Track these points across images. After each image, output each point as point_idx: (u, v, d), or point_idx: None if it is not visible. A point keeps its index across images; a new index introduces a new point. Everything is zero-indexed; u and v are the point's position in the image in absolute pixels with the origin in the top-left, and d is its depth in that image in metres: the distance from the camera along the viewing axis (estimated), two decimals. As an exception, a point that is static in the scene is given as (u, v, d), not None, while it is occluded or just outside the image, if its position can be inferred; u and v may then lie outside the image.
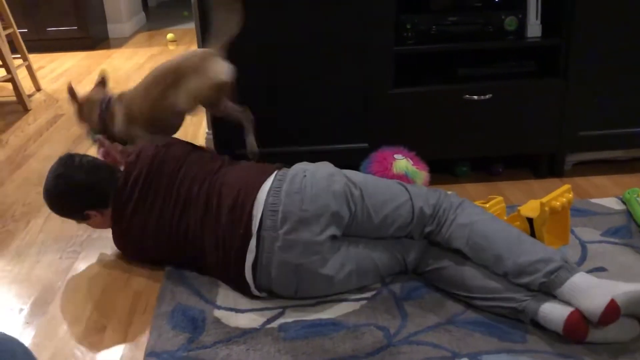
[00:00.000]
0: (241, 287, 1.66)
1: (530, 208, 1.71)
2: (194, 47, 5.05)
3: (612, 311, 1.35)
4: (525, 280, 1.47)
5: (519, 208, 1.73)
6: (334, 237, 1.60)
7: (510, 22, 2.21)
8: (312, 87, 2.18)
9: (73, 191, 1.83)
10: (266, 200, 1.60)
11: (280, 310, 1.61)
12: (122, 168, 1.85)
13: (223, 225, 1.64)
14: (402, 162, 2.06)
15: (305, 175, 1.63)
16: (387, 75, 2.16)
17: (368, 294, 1.66)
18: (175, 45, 5.07)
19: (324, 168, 1.66)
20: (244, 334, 1.53)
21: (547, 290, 1.45)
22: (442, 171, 2.36)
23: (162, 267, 1.81)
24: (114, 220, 1.81)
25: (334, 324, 1.55)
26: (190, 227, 1.69)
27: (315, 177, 1.62)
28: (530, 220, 1.69)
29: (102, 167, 1.85)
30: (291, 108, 2.21)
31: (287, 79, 2.17)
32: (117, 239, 1.86)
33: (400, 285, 1.69)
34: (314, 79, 2.17)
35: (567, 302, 1.42)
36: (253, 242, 1.59)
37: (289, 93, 2.19)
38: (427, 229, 1.64)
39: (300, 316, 1.59)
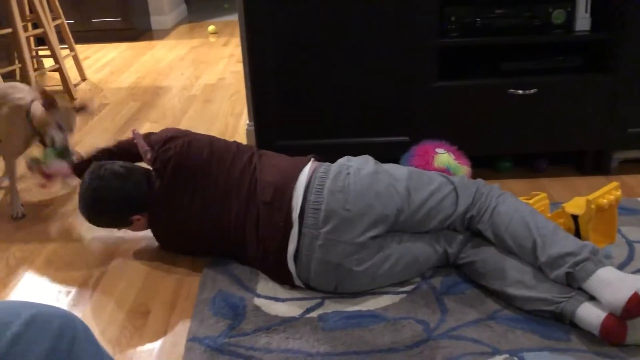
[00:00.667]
0: (283, 277, 1.67)
1: (576, 205, 1.67)
2: (235, 40, 5.09)
3: (635, 304, 1.32)
4: (554, 273, 1.46)
5: (563, 205, 1.70)
6: (375, 237, 1.59)
7: (558, 15, 2.16)
8: (355, 80, 2.18)
9: (115, 200, 1.81)
10: (308, 197, 1.60)
11: (319, 300, 1.62)
12: (148, 155, 1.84)
13: (263, 216, 1.66)
14: (444, 156, 2.04)
15: (348, 173, 1.62)
16: (431, 68, 2.14)
17: (408, 288, 1.66)
18: (216, 37, 5.12)
19: (367, 166, 1.65)
20: (284, 322, 1.54)
21: (574, 283, 1.43)
22: (484, 166, 2.33)
23: (203, 257, 1.84)
24: (153, 221, 1.83)
25: (373, 316, 1.55)
26: (232, 217, 1.71)
27: (359, 175, 1.61)
28: (575, 218, 1.66)
29: (134, 171, 1.84)
30: (334, 100, 2.21)
31: (330, 72, 2.17)
32: (159, 237, 1.89)
33: (440, 280, 1.68)
34: (357, 71, 2.16)
35: (593, 296, 1.40)
36: (295, 231, 1.60)
37: (332, 85, 2.19)
38: (469, 215, 1.64)
39: (339, 307, 1.59)
